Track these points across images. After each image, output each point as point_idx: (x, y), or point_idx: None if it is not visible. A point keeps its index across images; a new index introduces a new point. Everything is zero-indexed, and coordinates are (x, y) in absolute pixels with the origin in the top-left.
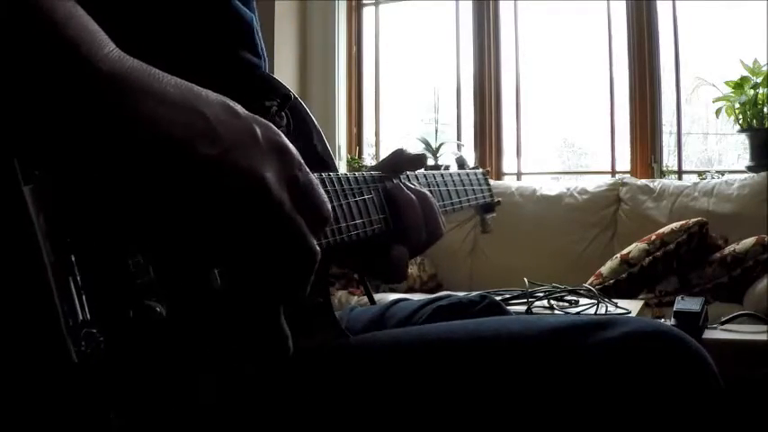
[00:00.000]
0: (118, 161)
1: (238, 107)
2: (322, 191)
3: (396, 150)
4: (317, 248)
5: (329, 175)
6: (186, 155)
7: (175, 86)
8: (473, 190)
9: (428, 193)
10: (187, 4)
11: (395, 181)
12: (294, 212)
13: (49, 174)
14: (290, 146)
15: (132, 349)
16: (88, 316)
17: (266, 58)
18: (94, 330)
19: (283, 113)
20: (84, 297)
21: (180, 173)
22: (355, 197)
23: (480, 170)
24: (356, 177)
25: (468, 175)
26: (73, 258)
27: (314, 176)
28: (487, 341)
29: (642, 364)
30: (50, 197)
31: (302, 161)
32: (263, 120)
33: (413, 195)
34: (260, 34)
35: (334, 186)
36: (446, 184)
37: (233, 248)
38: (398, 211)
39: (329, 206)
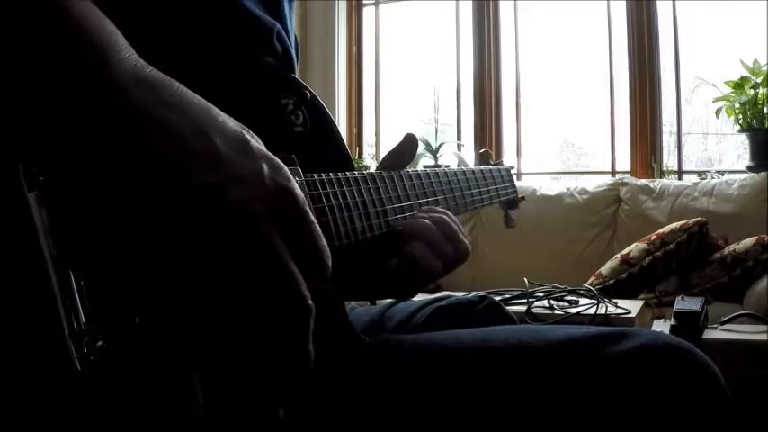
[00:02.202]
0: (109, 173)
1: (253, 144)
2: (324, 242)
3: (388, 152)
4: (310, 303)
5: (336, 175)
6: (179, 178)
7: (190, 106)
8: (496, 187)
9: (446, 215)
10: (198, 10)
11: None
12: (288, 260)
13: (49, 176)
14: (298, 193)
15: (137, 356)
16: (91, 322)
17: (293, 60)
18: (97, 336)
19: (299, 112)
20: (86, 303)
21: (170, 195)
22: (363, 197)
23: (504, 166)
24: (365, 177)
25: (491, 171)
26: (76, 264)
27: (318, 228)
28: (497, 351)
29: (653, 378)
30: (54, 203)
31: (309, 211)
32: (278, 163)
33: (426, 220)
34: (286, 38)
35: (340, 187)
36: (468, 181)
37: (216, 283)
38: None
39: (329, 261)
